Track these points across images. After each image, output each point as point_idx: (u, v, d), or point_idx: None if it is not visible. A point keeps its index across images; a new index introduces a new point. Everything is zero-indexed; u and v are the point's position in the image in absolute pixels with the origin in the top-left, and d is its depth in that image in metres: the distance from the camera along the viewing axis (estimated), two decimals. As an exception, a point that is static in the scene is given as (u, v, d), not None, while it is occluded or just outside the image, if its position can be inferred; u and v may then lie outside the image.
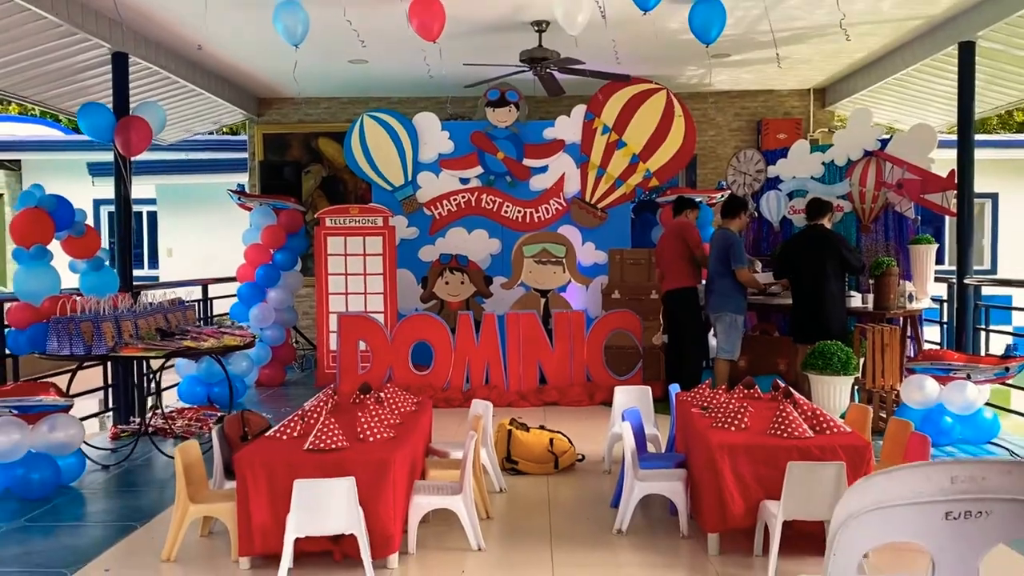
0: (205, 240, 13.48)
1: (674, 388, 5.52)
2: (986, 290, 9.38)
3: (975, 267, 13.81)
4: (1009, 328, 8.17)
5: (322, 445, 4.13)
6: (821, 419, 4.36)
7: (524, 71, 8.15)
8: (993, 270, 13.94)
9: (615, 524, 4.57)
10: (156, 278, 12.92)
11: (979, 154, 11.99)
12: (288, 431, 4.39)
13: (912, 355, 7.01)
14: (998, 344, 8.33)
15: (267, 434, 4.49)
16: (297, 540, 3.88)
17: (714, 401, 4.76)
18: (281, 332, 9.36)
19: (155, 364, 6.85)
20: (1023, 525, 1.89)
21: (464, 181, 9.80)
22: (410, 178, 9.73)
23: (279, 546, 3.87)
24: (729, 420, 4.38)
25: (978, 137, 13.12)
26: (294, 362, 10.05)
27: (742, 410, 4.44)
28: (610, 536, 4.51)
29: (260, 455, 4.11)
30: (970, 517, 1.86)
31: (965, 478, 1.84)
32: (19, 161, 14.86)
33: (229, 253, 10.96)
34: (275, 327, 9.20)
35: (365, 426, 4.35)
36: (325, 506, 3.87)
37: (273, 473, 4.01)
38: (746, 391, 5.04)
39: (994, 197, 14.14)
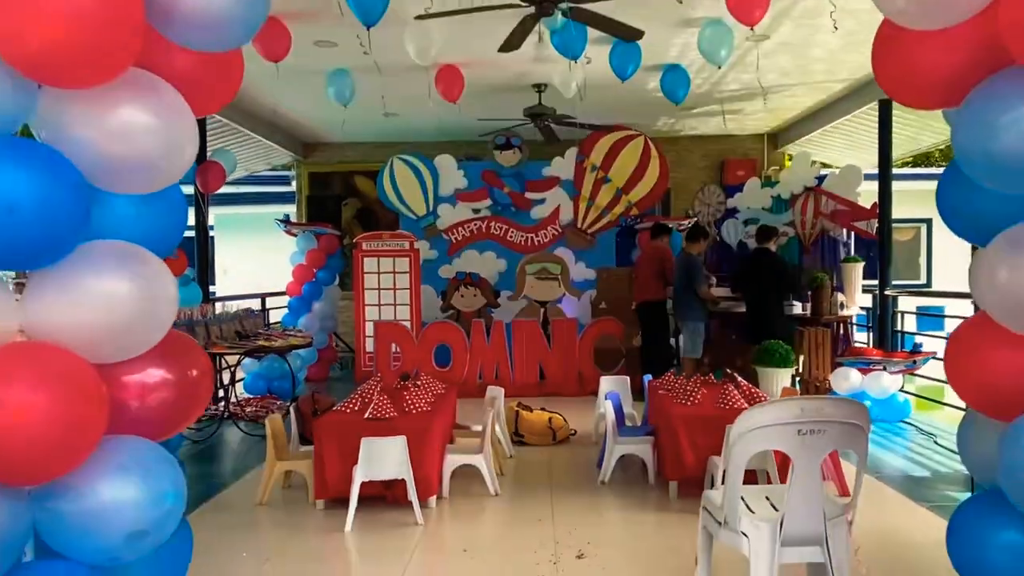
0: (254, 261, 13.59)
1: (647, 377, 5.90)
2: (916, 300, 9.93)
3: (914, 281, 14.30)
4: (940, 332, 8.54)
5: (378, 415, 4.63)
6: (755, 396, 4.86)
7: (527, 123, 8.53)
8: (928, 284, 14.26)
9: (599, 477, 5.04)
10: (213, 293, 13.35)
11: (917, 185, 12.58)
12: (350, 406, 4.84)
13: (841, 352, 7.33)
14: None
15: (334, 409, 4.94)
16: (363, 486, 4.29)
17: (676, 384, 5.18)
18: (324, 337, 9.56)
19: (231, 360, 7.43)
20: (846, 439, 2.63)
21: (476, 211, 10.02)
22: (431, 209, 9.92)
23: (346, 491, 4.32)
24: (685, 397, 4.89)
25: (916, 170, 13.62)
26: (336, 362, 10.20)
27: (695, 390, 4.94)
28: (595, 486, 4.99)
29: (333, 423, 4.62)
30: (813, 434, 2.58)
31: (810, 409, 2.57)
32: None
33: (274, 272, 11.11)
34: (320, 333, 9.40)
35: (409, 402, 4.84)
36: (384, 458, 4.34)
37: (343, 435, 4.48)
38: (702, 378, 5.34)
39: (928, 222, 14.40)
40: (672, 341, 8.63)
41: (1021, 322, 1.77)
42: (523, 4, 4.65)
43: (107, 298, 1.66)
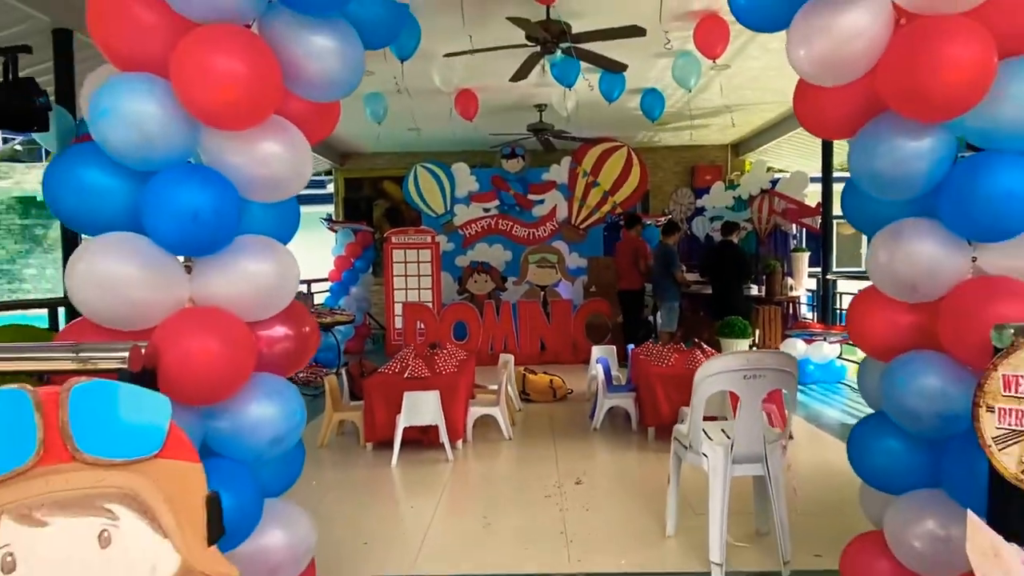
0: (301, 252, 14.00)
1: (630, 346, 6.17)
2: (854, 284, 10.20)
3: (856, 268, 14.61)
4: None
5: (415, 375, 4.99)
6: None
7: (529, 136, 8.78)
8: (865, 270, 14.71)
9: (592, 425, 5.42)
10: None
11: None
12: (391, 369, 5.16)
13: (790, 326, 7.69)
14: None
15: (379, 371, 5.24)
16: (405, 430, 4.64)
17: (653, 351, 5.52)
18: (360, 316, 9.75)
19: None
20: (780, 381, 3.00)
21: (486, 210, 10.23)
22: (449, 208, 10.15)
23: (390, 435, 4.68)
24: (661, 360, 5.26)
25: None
26: (369, 337, 10.39)
27: (669, 355, 5.31)
28: (589, 432, 5.35)
29: (380, 381, 4.94)
30: (755, 378, 2.97)
31: (753, 359, 2.96)
32: None
33: (315, 261, 11.63)
34: (356, 312, 9.52)
35: (439, 365, 5.19)
36: (421, 408, 4.66)
37: (388, 391, 4.82)
38: (674, 346, 5.59)
39: None
40: (651, 318, 8.93)
41: (895, 291, 2.15)
42: (531, 44, 4.96)
43: (253, 275, 2.01)
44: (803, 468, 4.35)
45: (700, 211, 9.97)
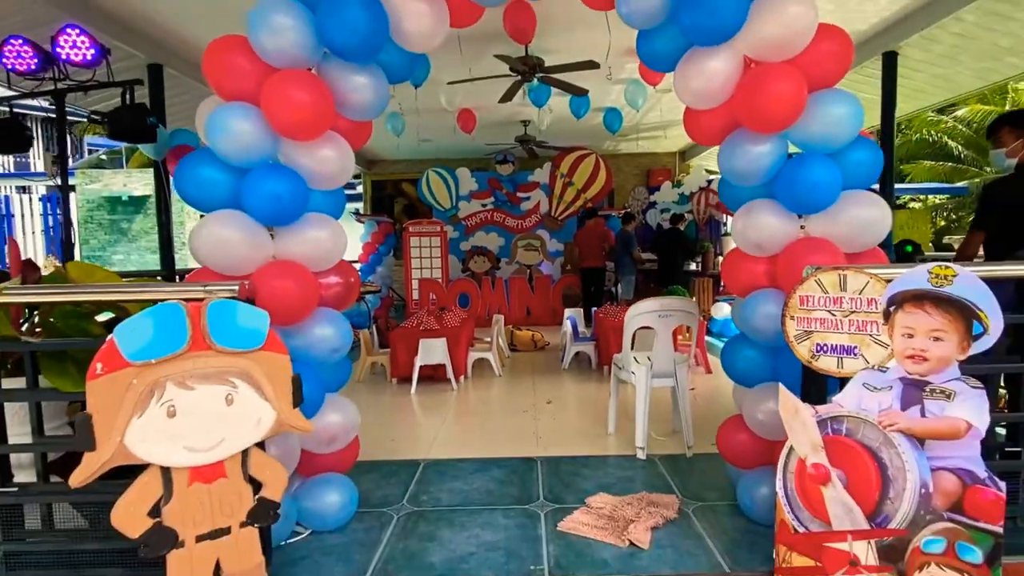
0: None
1: (593, 309, 6.66)
2: None
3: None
4: None
5: (428, 327, 5.43)
6: None
7: (517, 146, 8.99)
8: None
9: (562, 365, 5.89)
10: None
11: None
12: (410, 324, 5.64)
13: (719, 293, 7.94)
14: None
15: (400, 325, 5.77)
16: (421, 368, 5.09)
17: (609, 310, 5.95)
18: (385, 289, 9.98)
19: None
20: (685, 319, 3.48)
21: (484, 205, 10.41)
22: (454, 204, 10.32)
23: (410, 372, 5.12)
24: (614, 316, 5.65)
25: None
26: (392, 306, 10.42)
27: (620, 312, 5.65)
28: (559, 370, 5.81)
29: (402, 332, 5.40)
30: (667, 316, 3.44)
31: (665, 303, 3.44)
32: None
33: (348, 246, 12.01)
34: (381, 287, 9.90)
35: (446, 321, 5.64)
36: (432, 351, 5.10)
37: (408, 339, 5.25)
38: (626, 306, 6.25)
39: None
40: (612, 289, 9.34)
41: (749, 249, 2.62)
42: (514, 75, 5.35)
43: (316, 240, 2.48)
44: (719, 393, 4.82)
45: (653, 204, 10.25)
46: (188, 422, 1.92)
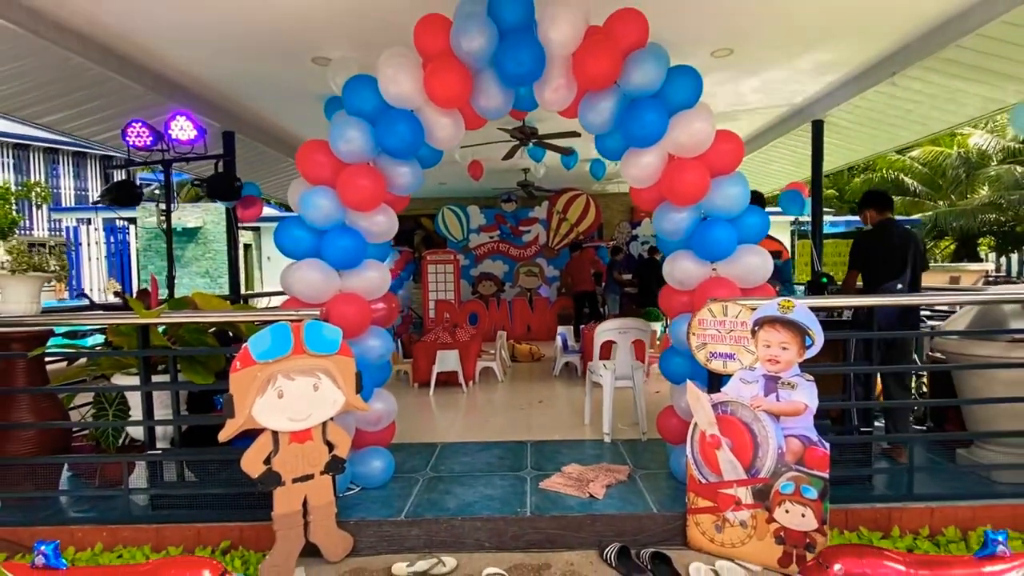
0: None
1: (581, 326, 7.51)
2: None
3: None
4: None
5: (443, 341, 6.12)
6: None
7: (518, 189, 9.65)
8: None
9: (553, 373, 6.58)
10: None
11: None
12: (429, 338, 6.34)
13: None
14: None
15: (421, 340, 6.46)
16: (438, 374, 5.77)
17: (593, 326, 6.72)
18: (406, 309, 10.52)
19: None
20: (639, 334, 4.24)
21: (491, 237, 11.11)
22: (466, 236, 11.02)
23: (429, 377, 5.78)
24: None
25: None
26: (412, 324, 10.90)
27: None
28: (552, 378, 6.48)
29: (423, 345, 6.08)
30: (626, 332, 4.21)
31: (625, 323, 4.22)
32: (259, 227, 16.01)
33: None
34: (403, 308, 10.84)
35: (458, 336, 6.39)
36: (447, 361, 5.78)
37: (427, 351, 5.94)
38: None
39: None
40: (602, 310, 10.03)
41: (674, 284, 3.39)
42: (515, 140, 6.20)
43: (369, 279, 3.29)
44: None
45: (635, 237, 10.97)
46: (290, 401, 2.71)
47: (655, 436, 4.14)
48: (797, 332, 2.68)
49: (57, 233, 21.59)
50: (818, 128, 6.10)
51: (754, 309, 2.78)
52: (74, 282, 16.40)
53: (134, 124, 4.60)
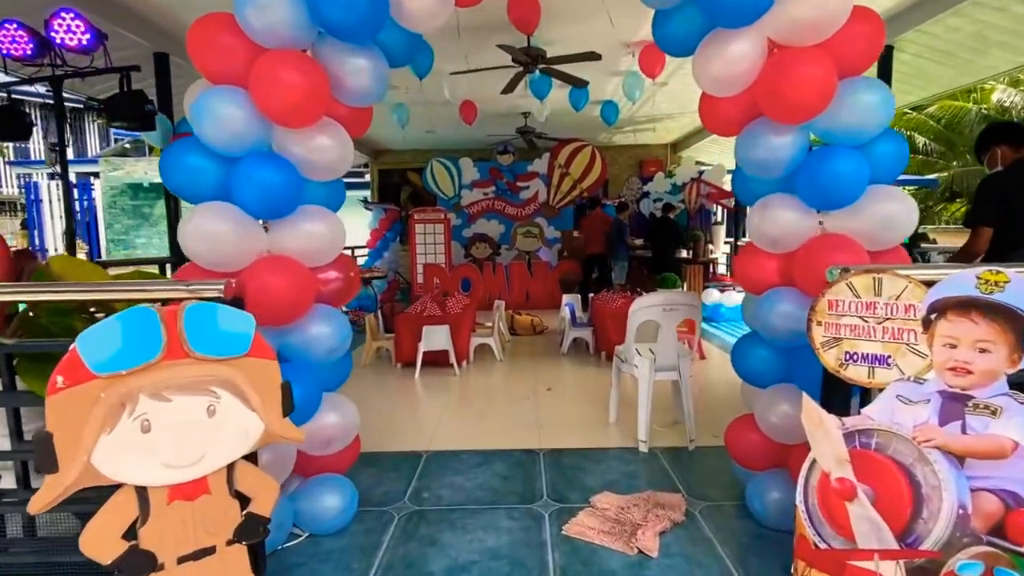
0: (346, 224, 13.78)
1: (590, 295, 6.35)
2: None
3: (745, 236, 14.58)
4: None
5: (431, 313, 5.09)
6: None
7: (517, 137, 8.55)
8: None
9: (561, 350, 5.55)
10: None
11: None
12: (414, 310, 5.28)
13: (709, 279, 7.86)
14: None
15: (405, 311, 5.38)
16: (424, 354, 4.74)
17: (606, 296, 5.60)
18: (391, 274, 9.54)
19: None
20: (689, 312, 3.16)
21: (485, 194, 9.99)
22: (457, 193, 9.91)
23: (414, 357, 4.78)
24: (611, 303, 5.34)
25: None
26: (399, 290, 9.95)
27: (617, 299, 5.41)
28: (558, 355, 5.47)
29: (406, 317, 5.04)
30: (671, 310, 3.12)
31: (668, 298, 3.11)
32: None
33: (357, 233, 11.58)
34: (388, 271, 9.55)
35: (449, 307, 5.29)
36: (435, 337, 4.78)
37: (412, 325, 4.92)
38: (621, 292, 5.75)
39: None
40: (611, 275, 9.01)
41: (764, 245, 2.29)
42: (516, 66, 4.95)
43: (312, 234, 2.13)
44: (713, 380, 4.53)
45: (646, 194, 9.87)
46: (165, 437, 1.60)
47: (705, 443, 3.11)
48: (1009, 325, 1.58)
49: (19, 190, 19.85)
50: (887, 55, 4.88)
51: (930, 285, 1.67)
52: (36, 242, 14.98)
53: (7, 26, 3.31)
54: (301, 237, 2.12)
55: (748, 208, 2.49)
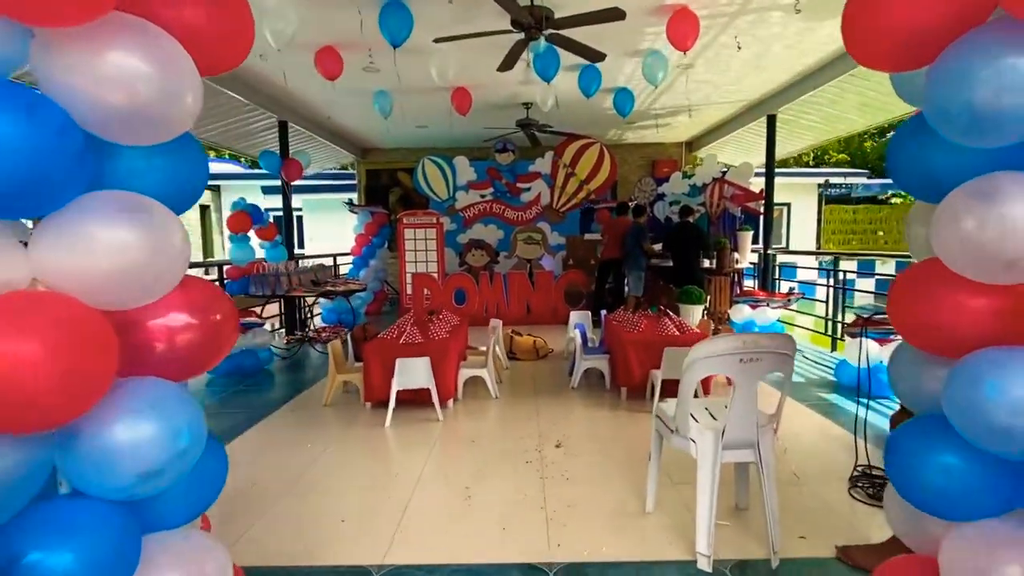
0: (329, 231, 12.73)
1: (603, 312, 5.32)
2: (782, 258, 9.22)
3: (778, 245, 13.70)
4: (794, 280, 7.89)
5: (410, 340, 4.06)
6: (682, 326, 4.36)
7: (517, 131, 7.68)
8: (788, 247, 13.81)
9: (570, 384, 4.52)
10: (303, 254, 12.55)
11: (782, 180, 11.84)
12: (391, 335, 4.26)
13: (737, 293, 6.86)
14: (783, 288, 8.27)
15: (378, 336, 4.33)
16: (398, 393, 3.76)
17: (625, 318, 4.64)
18: (378, 284, 8.90)
19: (310, 300, 6.90)
20: (777, 364, 2.09)
21: (482, 196, 9.08)
22: (451, 194, 9.07)
23: (386, 395, 3.80)
24: (632, 326, 4.37)
25: (781, 169, 12.87)
26: (386, 301, 9.40)
27: (639, 322, 4.43)
28: (567, 390, 4.45)
29: (377, 346, 4.01)
30: (752, 361, 2.05)
31: (748, 341, 2.03)
32: (219, 186, 14.06)
33: (342, 239, 10.51)
34: (375, 280, 8.79)
35: (433, 331, 4.23)
36: (413, 372, 3.76)
37: (384, 355, 3.91)
38: (643, 313, 4.78)
39: (788, 205, 13.85)
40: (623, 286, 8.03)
41: (978, 268, 1.23)
42: (515, 31, 3.91)
43: (110, 246, 1.09)
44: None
45: (661, 196, 8.85)
46: None
47: (792, 551, 2.04)
48: None
49: None
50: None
51: None
52: None
53: None
54: (86, 251, 1.06)
55: (917, 201, 1.42)
